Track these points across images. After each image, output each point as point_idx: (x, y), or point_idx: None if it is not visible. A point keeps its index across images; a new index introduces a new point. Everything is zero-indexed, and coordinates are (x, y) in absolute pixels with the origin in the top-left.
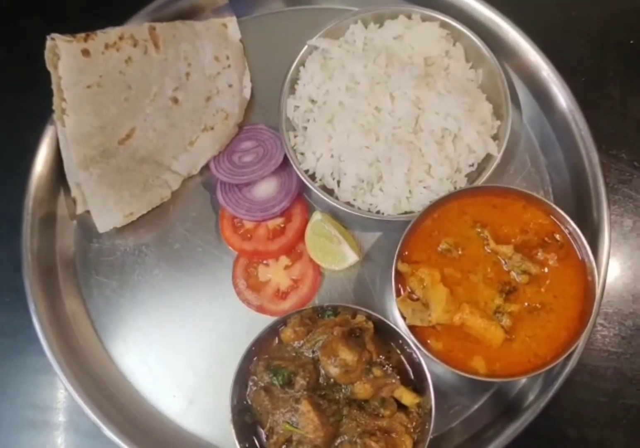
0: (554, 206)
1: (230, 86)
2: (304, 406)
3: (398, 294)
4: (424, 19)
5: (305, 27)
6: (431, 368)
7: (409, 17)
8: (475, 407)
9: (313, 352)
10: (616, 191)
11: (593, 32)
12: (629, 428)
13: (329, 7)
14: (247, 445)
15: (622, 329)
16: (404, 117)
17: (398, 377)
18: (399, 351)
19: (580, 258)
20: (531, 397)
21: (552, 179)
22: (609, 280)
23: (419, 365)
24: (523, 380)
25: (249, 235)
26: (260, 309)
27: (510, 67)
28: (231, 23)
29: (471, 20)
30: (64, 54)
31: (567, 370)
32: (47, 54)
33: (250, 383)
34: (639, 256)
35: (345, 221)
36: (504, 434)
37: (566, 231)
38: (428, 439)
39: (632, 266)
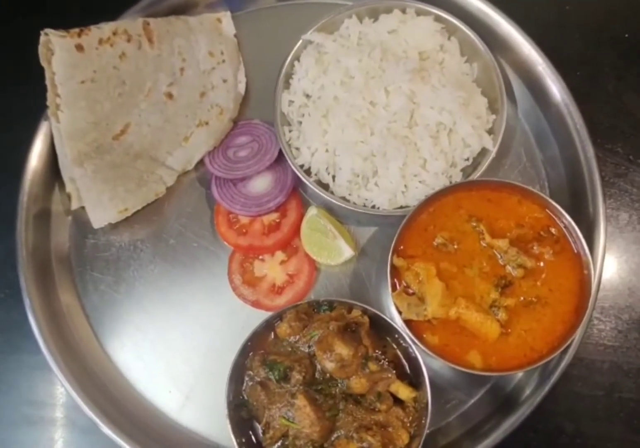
0: (550, 199)
1: (224, 81)
2: (300, 401)
3: (394, 288)
4: (419, 13)
5: (300, 21)
6: (427, 362)
7: (404, 11)
8: (472, 401)
9: (309, 347)
10: (612, 185)
11: (588, 26)
12: (625, 422)
13: (323, 2)
14: (243, 440)
15: (619, 323)
16: (398, 112)
17: (394, 372)
18: (394, 346)
19: (575, 251)
20: (527, 391)
21: (548, 173)
22: (605, 273)
23: (415, 359)
24: (519, 374)
25: (244, 230)
26: (255, 304)
27: (506, 61)
28: (225, 18)
29: (466, 14)
30: (57, 49)
31: (564, 364)
32: (41, 49)
33: (246, 378)
34: (635, 249)
35: (341, 216)
36: (501, 428)
37: (562, 225)
38: (424, 434)
39: (628, 260)
